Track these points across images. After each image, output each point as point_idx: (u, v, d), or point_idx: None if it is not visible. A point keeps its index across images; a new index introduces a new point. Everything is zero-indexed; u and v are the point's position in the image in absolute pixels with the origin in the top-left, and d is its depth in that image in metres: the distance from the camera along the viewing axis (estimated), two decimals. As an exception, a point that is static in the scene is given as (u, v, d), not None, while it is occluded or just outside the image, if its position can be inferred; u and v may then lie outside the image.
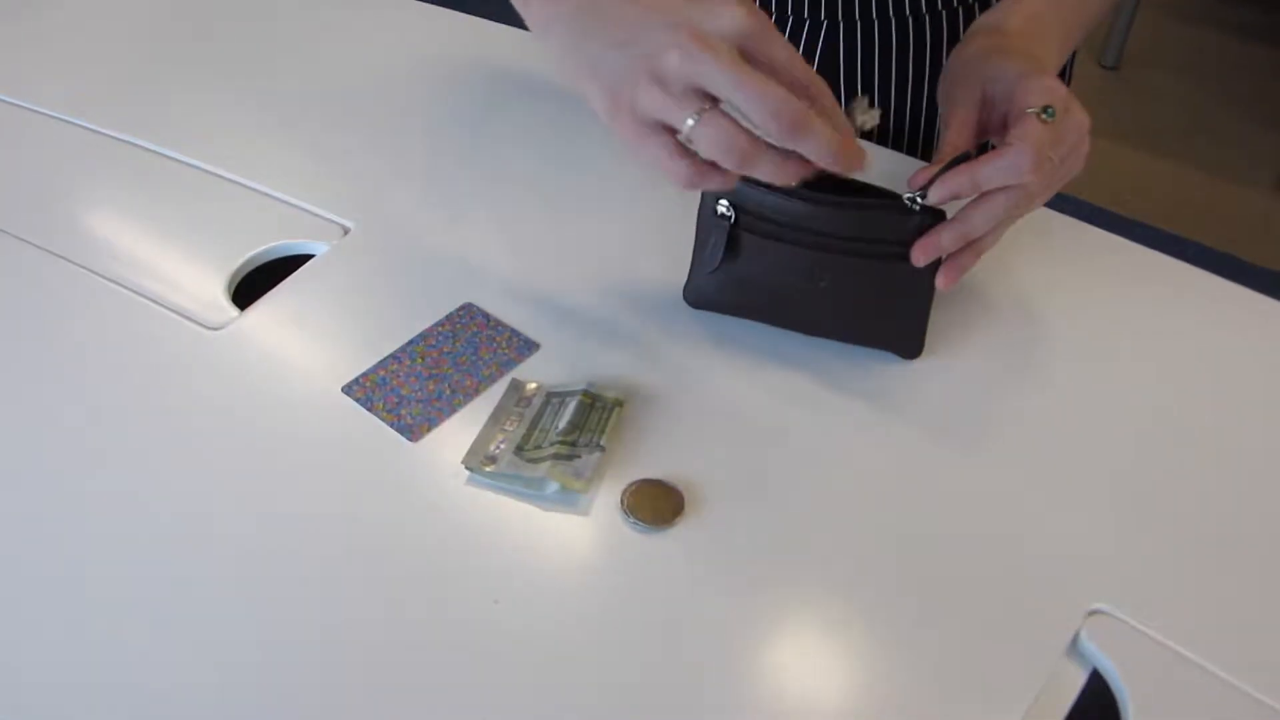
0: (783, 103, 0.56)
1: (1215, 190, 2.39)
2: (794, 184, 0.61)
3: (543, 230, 0.82)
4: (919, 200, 0.67)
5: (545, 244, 0.81)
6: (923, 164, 0.70)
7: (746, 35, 0.58)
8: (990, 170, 0.65)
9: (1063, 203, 0.81)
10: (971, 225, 0.67)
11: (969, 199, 0.67)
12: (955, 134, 0.70)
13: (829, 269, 0.70)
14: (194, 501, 0.66)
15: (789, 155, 0.59)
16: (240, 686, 0.58)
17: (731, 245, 0.72)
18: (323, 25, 1.05)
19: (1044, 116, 0.65)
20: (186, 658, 0.59)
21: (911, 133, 1.00)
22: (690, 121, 0.58)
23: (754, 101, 0.56)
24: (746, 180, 0.67)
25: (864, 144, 0.90)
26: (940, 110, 0.74)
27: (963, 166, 0.66)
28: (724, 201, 0.70)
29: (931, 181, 0.66)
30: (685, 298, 0.76)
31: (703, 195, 0.72)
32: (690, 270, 0.75)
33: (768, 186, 0.69)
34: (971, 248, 0.69)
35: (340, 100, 0.95)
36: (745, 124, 0.58)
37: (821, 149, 0.58)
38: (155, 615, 0.61)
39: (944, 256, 0.69)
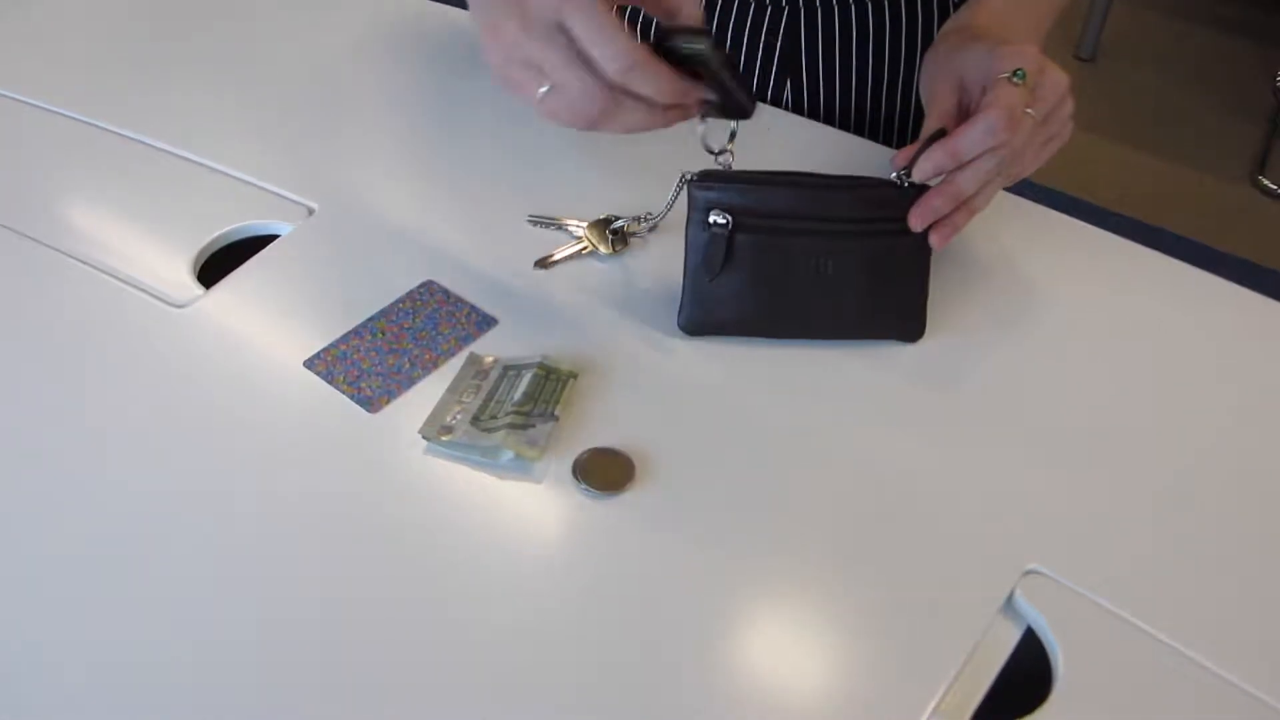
0: (585, 92, 0.62)
1: (1190, 181, 2.42)
2: (659, 124, 0.65)
3: (502, 210, 0.84)
4: (904, 178, 0.69)
5: (505, 223, 0.83)
6: (895, 151, 0.73)
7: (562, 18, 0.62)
8: (966, 140, 0.68)
9: (1037, 193, 0.83)
10: (961, 187, 0.69)
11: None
12: (934, 120, 0.72)
13: (830, 254, 0.71)
14: (158, 473, 0.68)
15: (637, 104, 0.63)
16: (203, 655, 0.59)
17: (731, 251, 0.71)
18: (287, 11, 1.06)
19: (1014, 79, 0.68)
20: (149, 630, 0.61)
21: (874, 117, 1.01)
22: (540, 91, 0.64)
23: (562, 92, 0.63)
24: (737, 182, 0.70)
25: (828, 129, 0.92)
26: (924, 106, 0.76)
27: (941, 141, 0.68)
28: (716, 211, 0.70)
29: (914, 161, 0.69)
30: (681, 326, 0.74)
31: (689, 215, 0.72)
32: (683, 296, 0.74)
33: (758, 182, 0.70)
34: (964, 207, 0.71)
35: (305, 84, 0.97)
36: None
37: (637, 123, 0.64)
38: (118, 590, 0.62)
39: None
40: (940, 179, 0.70)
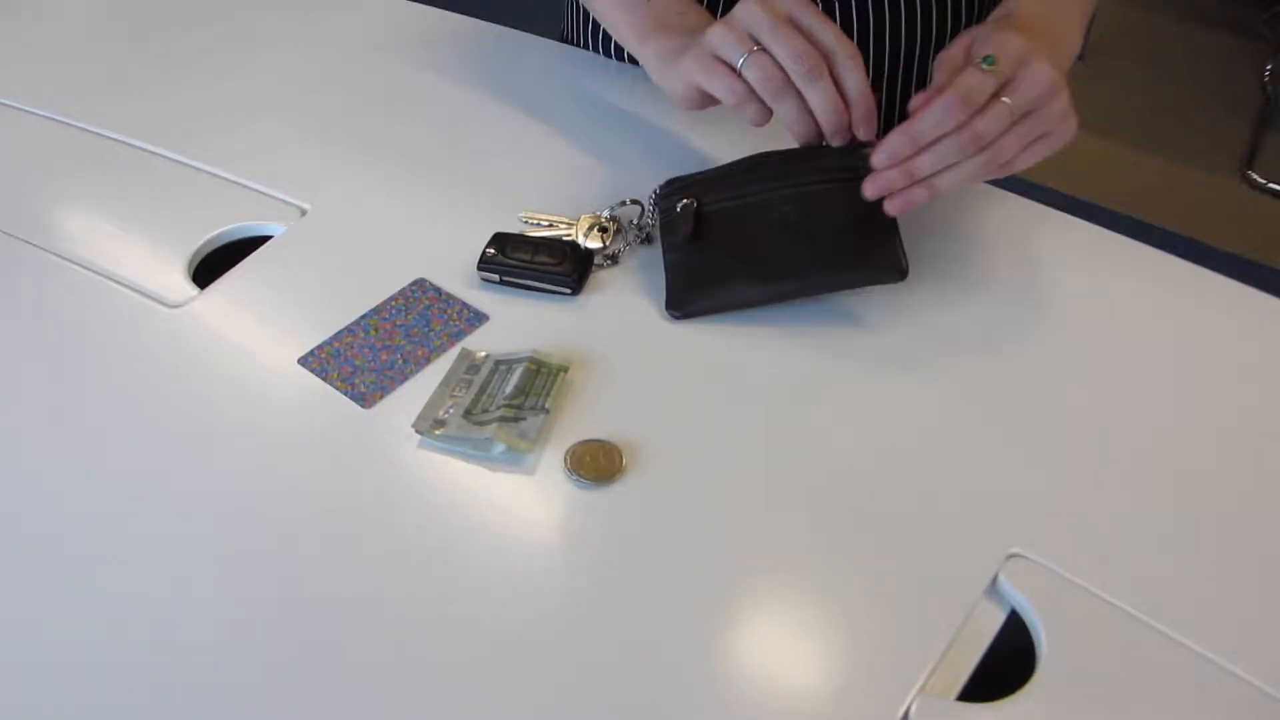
0: (804, 51, 0.72)
1: (1179, 176, 2.43)
2: (807, 140, 0.74)
3: (494, 209, 0.85)
4: (864, 161, 0.72)
5: (496, 222, 0.84)
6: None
7: (798, 9, 0.74)
8: (922, 124, 0.68)
9: (1027, 188, 0.84)
10: (917, 166, 0.70)
11: None
12: (921, 98, 0.71)
13: (788, 201, 0.75)
14: (155, 471, 0.69)
15: (806, 110, 0.73)
16: (199, 650, 0.60)
17: (700, 226, 0.76)
18: (277, 14, 1.07)
19: (983, 65, 0.68)
20: (148, 627, 0.62)
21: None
22: (742, 58, 0.73)
23: (782, 45, 0.72)
24: (698, 176, 0.76)
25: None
26: None
27: (899, 126, 0.69)
28: (682, 201, 0.77)
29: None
30: (670, 310, 0.76)
31: (661, 213, 0.79)
32: (667, 283, 0.77)
33: (720, 172, 0.77)
34: (923, 184, 0.71)
35: (296, 86, 0.98)
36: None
37: (824, 101, 0.72)
38: (118, 588, 0.63)
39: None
40: None
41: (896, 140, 0.69)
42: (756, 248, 0.75)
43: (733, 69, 0.74)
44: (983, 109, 0.68)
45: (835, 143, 0.74)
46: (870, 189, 0.71)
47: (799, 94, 0.73)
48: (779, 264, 0.75)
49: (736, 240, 0.76)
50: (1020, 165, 0.72)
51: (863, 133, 0.74)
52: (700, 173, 0.80)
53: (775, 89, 0.73)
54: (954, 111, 0.68)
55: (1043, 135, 0.71)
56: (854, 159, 0.74)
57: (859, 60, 0.73)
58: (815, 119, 0.73)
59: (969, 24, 0.98)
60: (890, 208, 0.72)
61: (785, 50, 0.72)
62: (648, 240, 0.81)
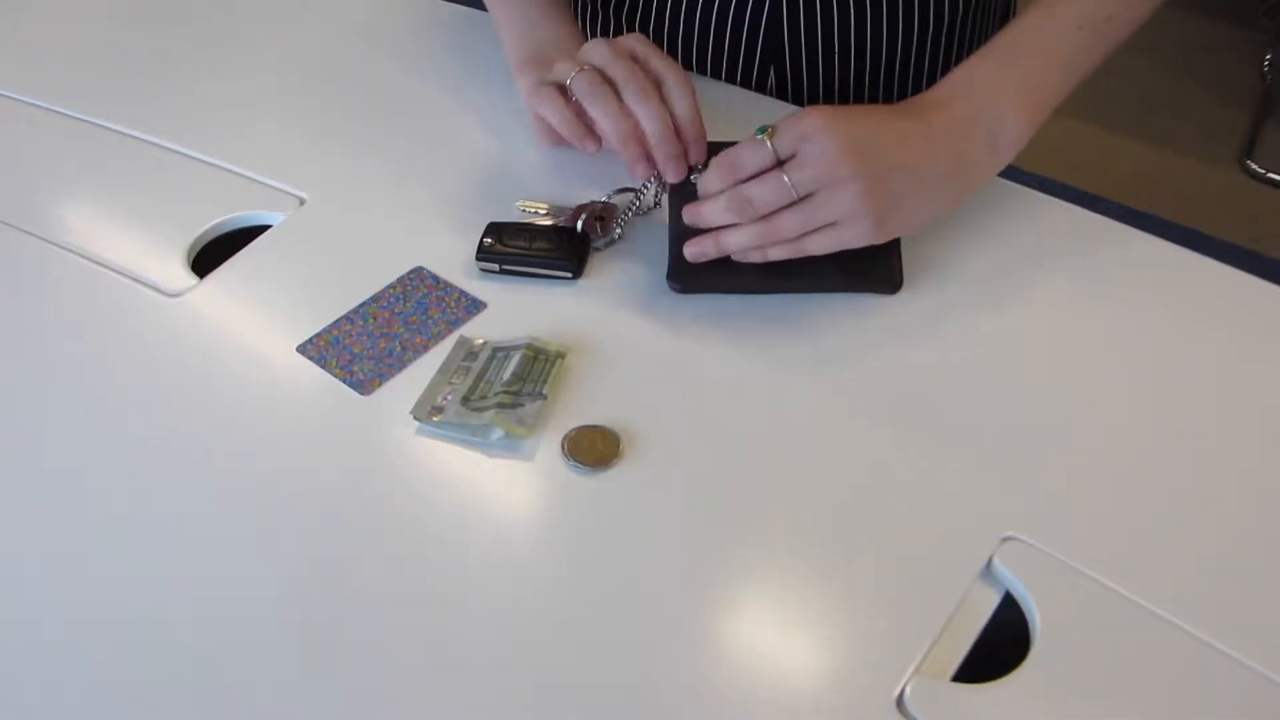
0: (634, 73, 0.76)
1: (1178, 165, 2.43)
2: (621, 143, 0.76)
3: (491, 196, 0.85)
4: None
5: (494, 210, 0.84)
6: None
7: (637, 44, 0.78)
8: (702, 181, 0.73)
9: (1026, 178, 0.83)
10: (703, 215, 0.73)
11: None
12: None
13: None
14: (155, 459, 0.69)
15: (624, 113, 0.76)
16: (198, 638, 0.61)
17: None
18: (276, 3, 1.07)
19: (757, 134, 0.70)
20: (151, 613, 0.62)
21: (857, 103, 1.03)
22: (571, 75, 0.78)
23: (615, 70, 0.76)
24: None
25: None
26: None
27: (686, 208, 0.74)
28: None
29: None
30: (669, 281, 0.77)
31: (670, 188, 0.78)
32: (670, 254, 0.77)
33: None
34: (711, 236, 0.73)
35: (294, 76, 0.98)
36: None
37: (652, 117, 0.75)
38: (118, 577, 0.64)
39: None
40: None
41: (689, 210, 0.73)
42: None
43: (563, 90, 0.79)
44: (759, 178, 0.70)
45: (666, 170, 0.76)
46: (686, 216, 0.74)
47: (620, 102, 0.76)
48: (783, 266, 0.74)
49: None
50: (813, 249, 0.71)
51: (693, 155, 0.76)
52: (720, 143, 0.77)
53: (595, 98, 0.76)
54: (722, 173, 0.71)
55: (830, 224, 0.70)
56: None
57: (688, 87, 0.77)
58: (632, 123, 0.76)
59: (952, 27, 0.98)
60: (686, 253, 0.74)
61: (617, 74, 0.76)
62: (656, 205, 0.82)
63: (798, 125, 0.70)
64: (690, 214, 0.74)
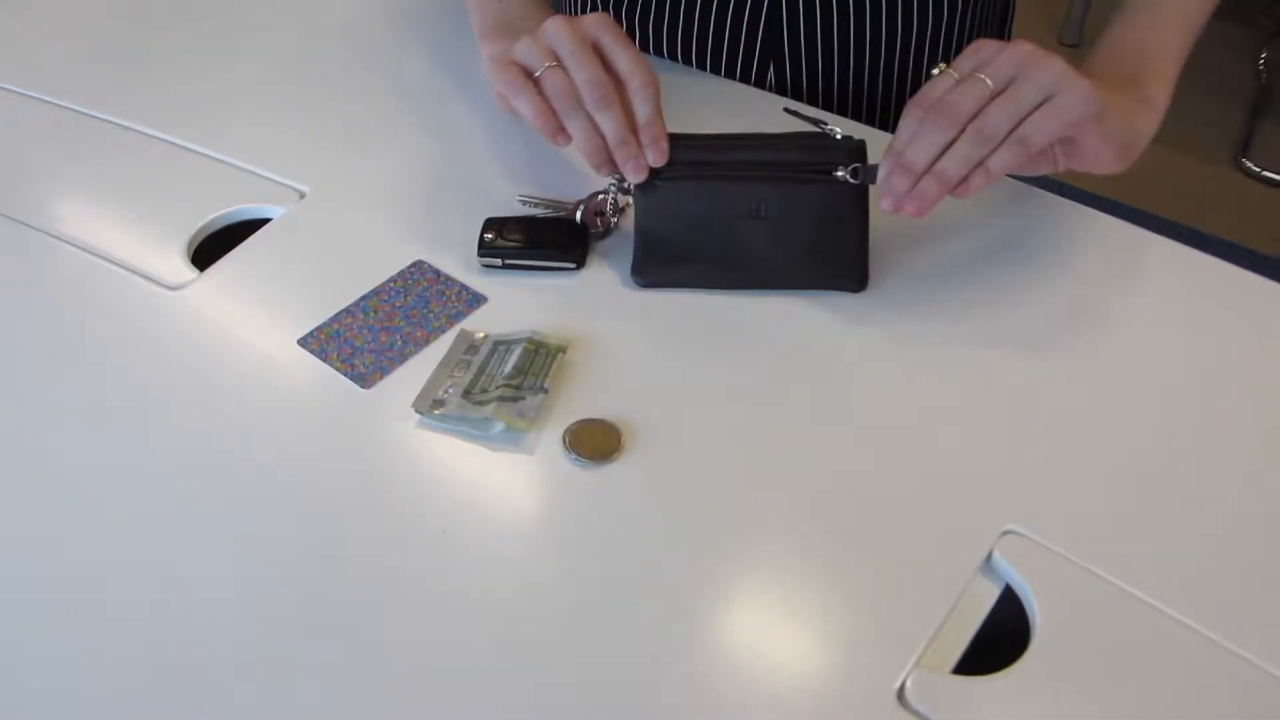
0: (596, 79, 0.74)
1: (1173, 163, 2.44)
2: (595, 160, 0.75)
3: (492, 190, 0.85)
4: (838, 132, 0.74)
5: (495, 204, 0.84)
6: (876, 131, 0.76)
7: (601, 31, 0.76)
8: (898, 140, 0.70)
9: (1025, 177, 0.84)
10: (910, 158, 0.69)
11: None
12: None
13: (769, 199, 0.74)
14: (156, 451, 0.69)
15: (595, 130, 0.75)
16: (199, 628, 0.61)
17: (675, 197, 0.75)
18: None
19: (934, 71, 0.70)
20: (146, 607, 0.62)
21: (856, 99, 1.03)
22: (541, 70, 0.76)
23: (578, 70, 0.74)
24: (679, 145, 0.75)
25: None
26: None
27: (884, 159, 0.71)
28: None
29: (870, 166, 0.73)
30: (634, 276, 0.78)
31: (636, 189, 0.77)
32: (635, 250, 0.78)
33: (700, 144, 0.75)
34: (931, 177, 0.69)
35: (294, 69, 0.98)
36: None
37: (612, 128, 0.74)
38: (117, 567, 0.64)
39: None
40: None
41: (888, 163, 0.70)
42: (724, 233, 0.76)
43: (532, 79, 0.77)
44: (954, 91, 0.69)
45: (626, 171, 0.75)
46: (887, 203, 0.70)
47: (589, 115, 0.75)
48: (743, 252, 0.76)
49: (705, 220, 0.76)
50: (1038, 137, 0.68)
51: (652, 157, 0.74)
52: (679, 136, 0.77)
53: (567, 107, 0.75)
54: (915, 106, 0.69)
55: (1046, 99, 0.68)
56: (833, 156, 0.74)
57: (652, 88, 0.75)
58: (600, 138, 0.75)
59: (951, 23, 0.99)
60: (910, 212, 0.69)
61: (580, 76, 0.75)
62: (629, 205, 0.82)
63: (971, 51, 0.69)
64: (901, 170, 0.69)
